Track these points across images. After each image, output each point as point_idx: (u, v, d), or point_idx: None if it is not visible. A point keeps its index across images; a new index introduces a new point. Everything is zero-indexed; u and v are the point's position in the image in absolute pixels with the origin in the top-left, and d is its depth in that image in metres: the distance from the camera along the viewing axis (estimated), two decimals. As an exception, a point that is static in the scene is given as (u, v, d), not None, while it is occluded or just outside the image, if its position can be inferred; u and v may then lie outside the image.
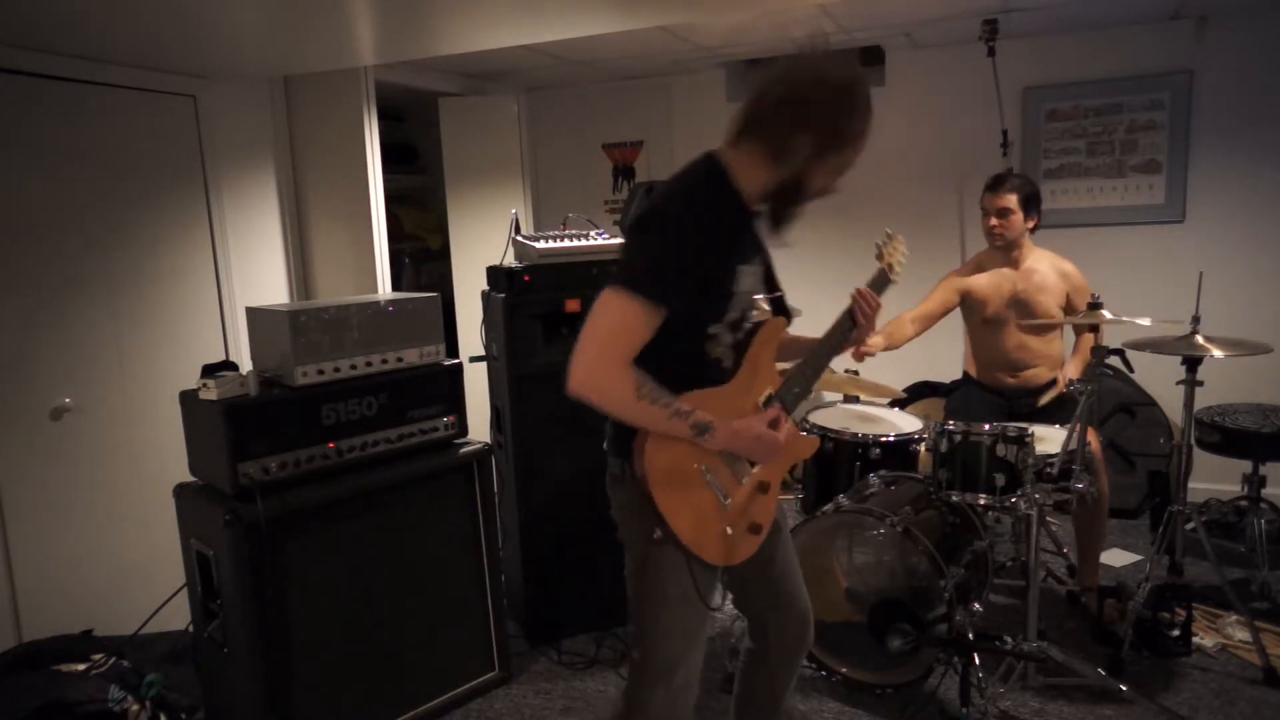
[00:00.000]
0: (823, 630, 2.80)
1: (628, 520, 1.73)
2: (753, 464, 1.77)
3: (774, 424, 1.73)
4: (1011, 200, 3.22)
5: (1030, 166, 4.34)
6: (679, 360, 1.65)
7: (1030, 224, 3.27)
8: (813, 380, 1.89)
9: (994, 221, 3.24)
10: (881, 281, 2.04)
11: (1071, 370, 3.26)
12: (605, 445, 1.76)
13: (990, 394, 3.41)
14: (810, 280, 4.81)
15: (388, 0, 2.68)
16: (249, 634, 2.25)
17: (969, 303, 3.39)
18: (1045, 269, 3.32)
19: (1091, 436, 3.09)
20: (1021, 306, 3.29)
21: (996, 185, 3.26)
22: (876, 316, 1.94)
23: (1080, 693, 2.66)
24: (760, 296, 1.81)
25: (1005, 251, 3.31)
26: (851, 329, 1.93)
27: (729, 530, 1.71)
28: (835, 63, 1.62)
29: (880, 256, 2.10)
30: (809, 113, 1.59)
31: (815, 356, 1.89)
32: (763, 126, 1.63)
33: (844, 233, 4.72)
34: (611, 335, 1.53)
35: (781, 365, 1.90)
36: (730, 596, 2.04)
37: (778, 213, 1.72)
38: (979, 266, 3.41)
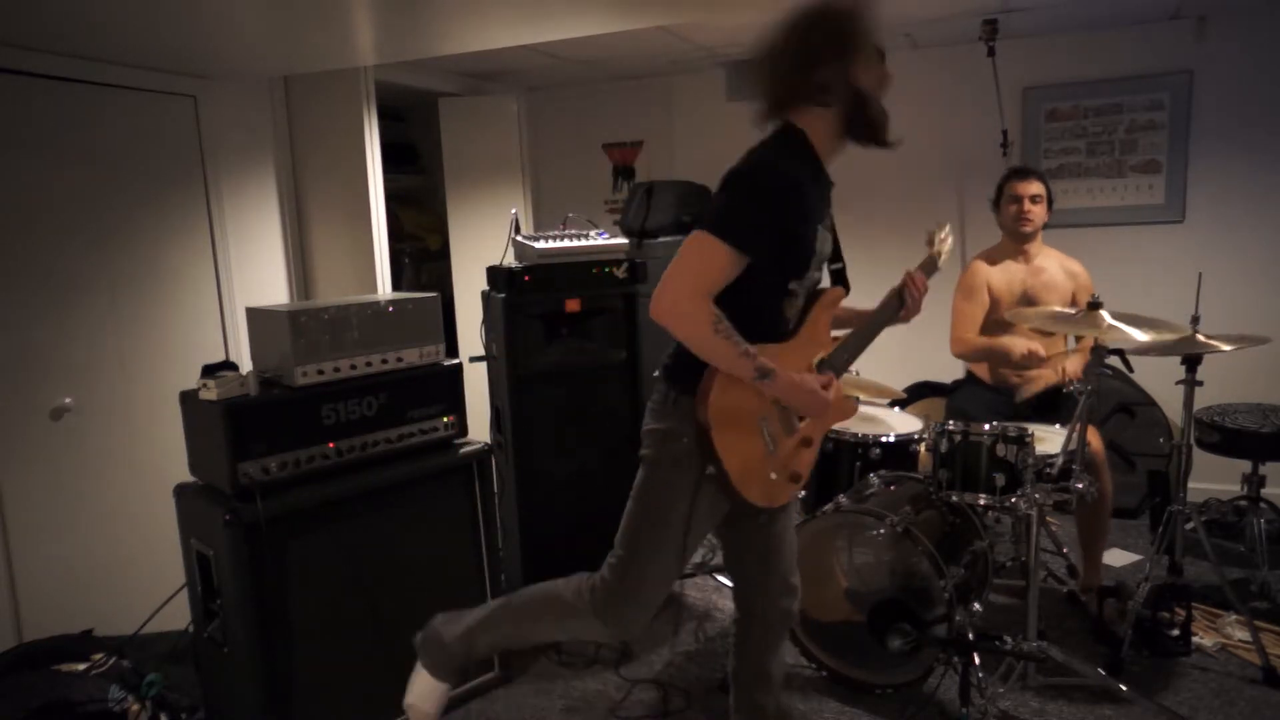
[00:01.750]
0: (823, 630, 2.81)
1: (659, 443, 1.82)
2: (800, 419, 1.90)
3: (826, 386, 1.83)
4: (1041, 188, 3.25)
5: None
6: (757, 311, 1.79)
7: (1048, 217, 3.29)
8: (859, 350, 2.02)
9: (1027, 208, 3.25)
10: (930, 266, 2.20)
11: (1073, 366, 3.25)
12: (657, 373, 1.88)
13: (993, 393, 3.40)
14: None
15: (388, 0, 2.68)
16: (249, 634, 2.25)
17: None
18: (1054, 267, 3.33)
19: (1094, 436, 3.09)
20: (1030, 304, 3.30)
21: (1026, 173, 3.29)
22: (922, 299, 2.07)
23: (1080, 693, 2.66)
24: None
25: (1024, 243, 3.31)
26: (899, 308, 2.05)
27: (773, 475, 1.84)
28: (817, 9, 1.75)
29: (930, 243, 2.27)
30: (818, 46, 1.73)
31: (866, 328, 2.04)
32: (796, 86, 1.76)
33: (843, 233, 4.71)
34: (696, 271, 1.67)
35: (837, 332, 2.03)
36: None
37: (867, 130, 1.82)
38: (990, 260, 3.40)
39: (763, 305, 1.80)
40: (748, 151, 1.82)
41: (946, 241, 2.30)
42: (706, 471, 1.77)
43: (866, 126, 1.81)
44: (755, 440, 1.81)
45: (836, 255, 2.01)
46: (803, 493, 3.33)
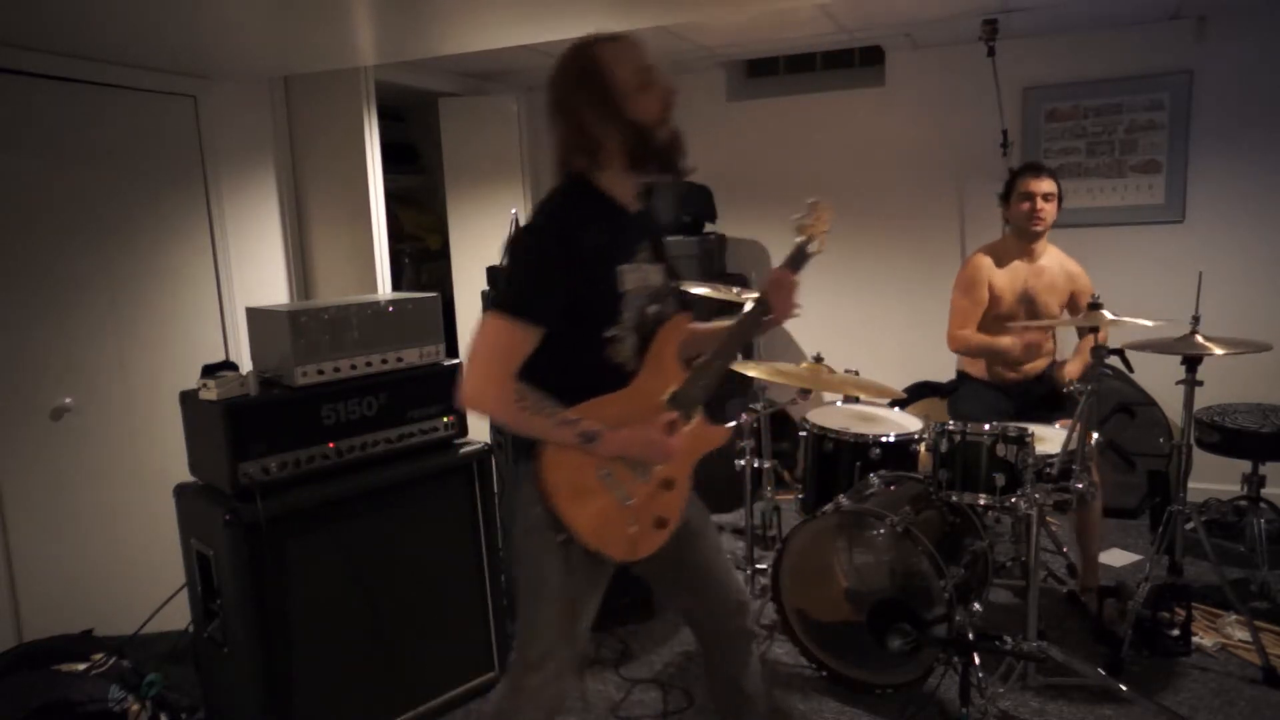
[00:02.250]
0: (823, 630, 2.81)
1: (523, 516, 1.77)
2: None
3: (670, 429, 1.74)
4: (1054, 186, 3.21)
5: (1030, 166, 4.35)
6: (585, 368, 1.73)
7: (1057, 215, 3.26)
8: (721, 373, 1.86)
9: (1039, 206, 3.20)
10: (798, 258, 1.92)
11: (1072, 370, 3.25)
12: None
13: (993, 391, 3.40)
14: (808, 279, 4.82)
15: (388, 0, 2.68)
16: (249, 634, 2.25)
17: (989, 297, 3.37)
18: (1055, 268, 3.33)
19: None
20: (1029, 303, 3.30)
21: (1039, 170, 3.23)
22: (794, 295, 1.87)
23: (1080, 693, 2.66)
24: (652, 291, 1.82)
25: (1031, 241, 3.28)
26: (765, 314, 1.87)
27: (633, 528, 1.74)
28: (560, 59, 1.75)
29: (800, 229, 1.95)
30: (563, 104, 1.73)
31: (722, 350, 1.85)
32: (569, 138, 1.74)
33: (843, 233, 4.72)
34: (490, 355, 1.63)
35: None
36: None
37: (652, 160, 1.75)
38: (994, 255, 3.37)
39: (583, 361, 1.73)
40: (535, 208, 1.79)
41: (816, 224, 1.95)
42: (559, 539, 1.70)
43: (653, 158, 1.73)
44: (604, 497, 1.71)
45: (673, 279, 1.90)
46: (802, 494, 3.34)
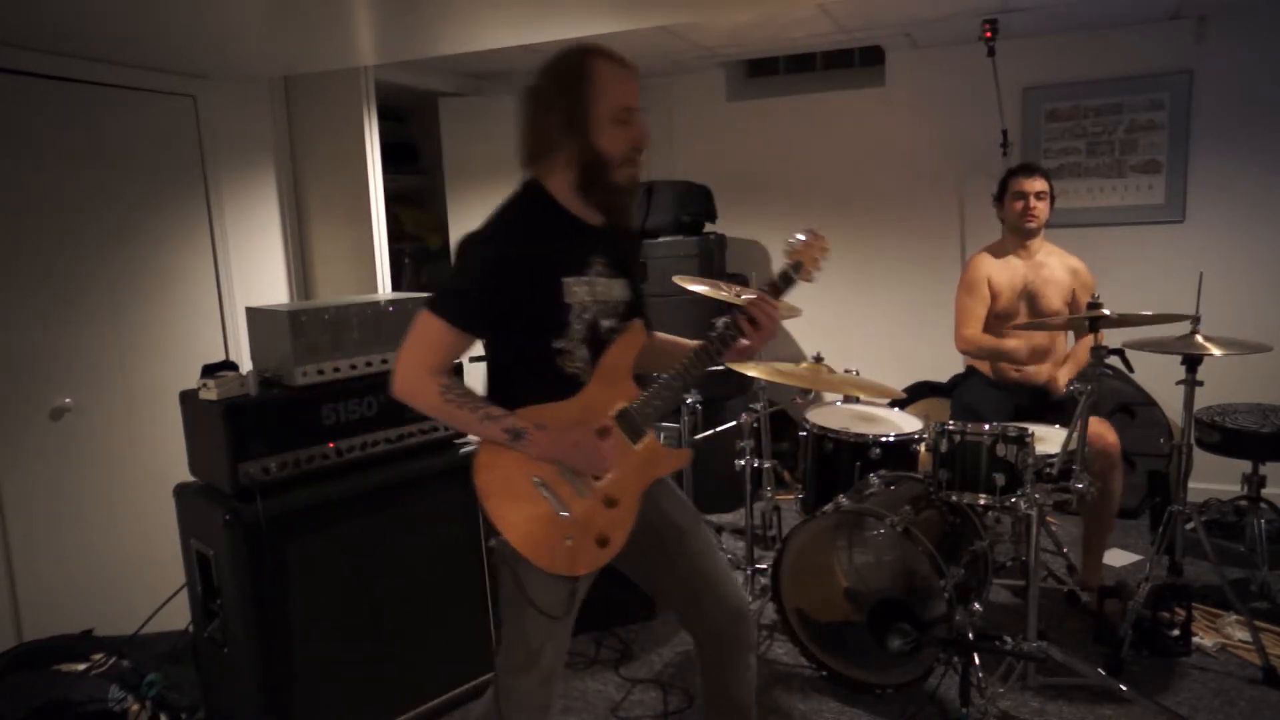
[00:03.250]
0: (823, 630, 2.81)
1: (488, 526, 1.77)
2: (596, 478, 1.74)
3: (602, 434, 1.72)
4: (1045, 185, 3.28)
5: (1030, 166, 4.35)
6: (532, 375, 1.74)
7: (1050, 213, 3.31)
8: (681, 393, 1.81)
9: (1032, 204, 3.26)
10: (782, 283, 1.82)
11: (1066, 374, 3.26)
12: None
13: (997, 389, 3.40)
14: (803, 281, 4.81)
15: (388, 0, 2.68)
16: (249, 634, 2.25)
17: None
18: (1055, 264, 3.34)
19: (1108, 431, 3.10)
20: (1030, 299, 3.30)
21: (1031, 170, 3.31)
22: (773, 322, 1.77)
23: (1080, 693, 2.66)
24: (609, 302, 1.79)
25: (1026, 239, 3.32)
26: (736, 336, 1.77)
27: (569, 541, 1.70)
28: (558, 50, 1.72)
29: (790, 253, 1.84)
30: (544, 102, 1.70)
31: (682, 371, 1.78)
32: (530, 137, 1.73)
33: (843, 233, 4.72)
34: (417, 349, 1.68)
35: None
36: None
37: (600, 195, 1.74)
38: (992, 254, 3.41)
39: (532, 368, 1.73)
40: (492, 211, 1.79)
41: (807, 251, 1.83)
42: (490, 543, 1.70)
43: (599, 191, 1.72)
44: (537, 505, 1.68)
45: (634, 293, 1.85)
46: (802, 494, 3.34)
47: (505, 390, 1.75)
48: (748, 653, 1.97)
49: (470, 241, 1.73)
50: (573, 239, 1.76)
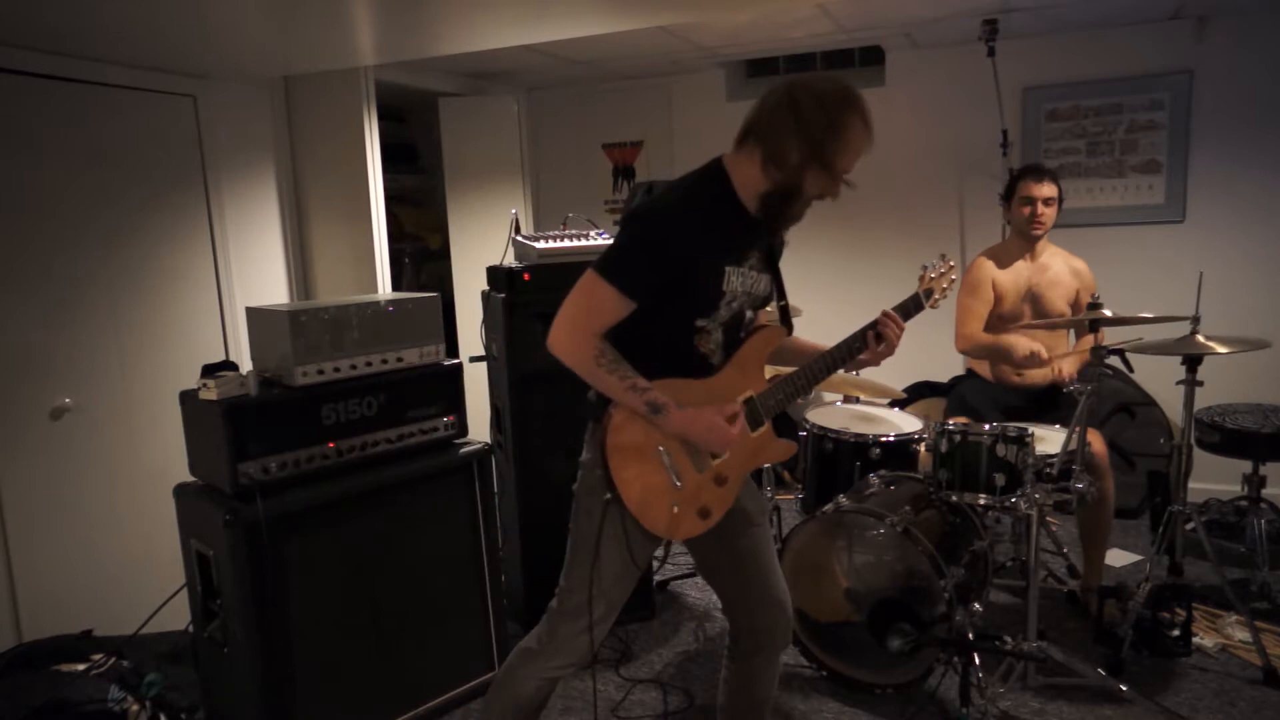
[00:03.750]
0: (823, 630, 2.81)
1: (585, 475, 1.85)
2: (715, 456, 1.84)
3: (731, 419, 1.80)
4: (1054, 190, 3.24)
5: (1030, 166, 4.35)
6: (667, 346, 1.79)
7: (1056, 218, 3.29)
8: (803, 392, 1.94)
9: (1040, 210, 3.22)
10: (913, 305, 2.02)
11: (1067, 367, 3.25)
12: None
13: (996, 388, 3.40)
14: (804, 280, 4.82)
15: (388, 0, 2.68)
16: (249, 634, 2.25)
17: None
18: (1058, 265, 3.33)
19: (1095, 437, 3.09)
20: (1034, 301, 3.29)
21: (1040, 173, 3.25)
22: (895, 341, 1.93)
23: (1080, 693, 2.66)
24: (755, 301, 1.89)
25: (1033, 242, 3.30)
26: (862, 349, 1.94)
27: (676, 509, 1.80)
28: (834, 83, 1.73)
29: (922, 279, 2.05)
30: (799, 122, 1.68)
31: (811, 370, 1.93)
32: (759, 131, 1.73)
33: (843, 232, 4.73)
34: (581, 309, 1.73)
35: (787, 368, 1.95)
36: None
37: (770, 214, 1.78)
38: (995, 257, 3.39)
39: (670, 341, 1.80)
40: (667, 185, 1.82)
41: (942, 279, 2.06)
42: (605, 498, 1.77)
43: (774, 211, 1.77)
44: (657, 472, 1.78)
45: (779, 294, 1.97)
46: (802, 494, 3.34)
47: (633, 356, 1.75)
48: (780, 650, 2.04)
49: (651, 211, 1.77)
50: (740, 230, 1.81)
